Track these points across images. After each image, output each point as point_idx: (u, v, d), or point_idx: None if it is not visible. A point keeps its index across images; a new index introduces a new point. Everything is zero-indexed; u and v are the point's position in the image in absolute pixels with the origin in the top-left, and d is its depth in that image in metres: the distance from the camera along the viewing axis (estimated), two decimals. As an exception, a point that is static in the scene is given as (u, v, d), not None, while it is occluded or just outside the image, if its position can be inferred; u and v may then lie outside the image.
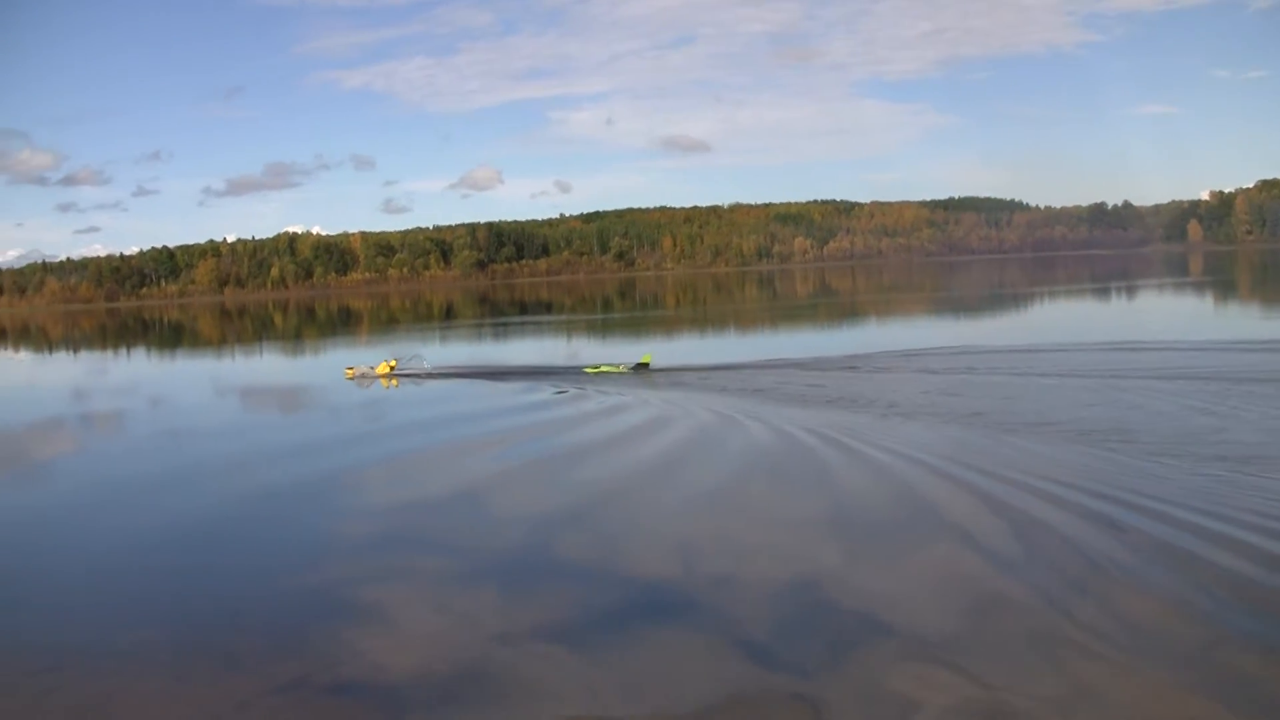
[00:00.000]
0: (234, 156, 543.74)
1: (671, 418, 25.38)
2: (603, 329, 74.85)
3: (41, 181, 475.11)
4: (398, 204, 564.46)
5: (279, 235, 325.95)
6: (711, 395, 29.07)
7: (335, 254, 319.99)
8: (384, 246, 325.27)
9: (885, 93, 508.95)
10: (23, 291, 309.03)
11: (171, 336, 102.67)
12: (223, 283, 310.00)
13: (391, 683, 10.36)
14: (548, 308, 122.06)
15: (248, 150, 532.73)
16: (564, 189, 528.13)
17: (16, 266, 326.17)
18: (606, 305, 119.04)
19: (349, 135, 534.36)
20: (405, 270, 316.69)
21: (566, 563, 14.33)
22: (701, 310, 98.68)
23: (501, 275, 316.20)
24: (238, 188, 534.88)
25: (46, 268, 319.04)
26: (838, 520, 15.41)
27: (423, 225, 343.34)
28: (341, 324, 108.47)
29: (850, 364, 35.09)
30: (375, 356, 43.55)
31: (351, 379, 40.16)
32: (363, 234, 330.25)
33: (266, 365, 52.82)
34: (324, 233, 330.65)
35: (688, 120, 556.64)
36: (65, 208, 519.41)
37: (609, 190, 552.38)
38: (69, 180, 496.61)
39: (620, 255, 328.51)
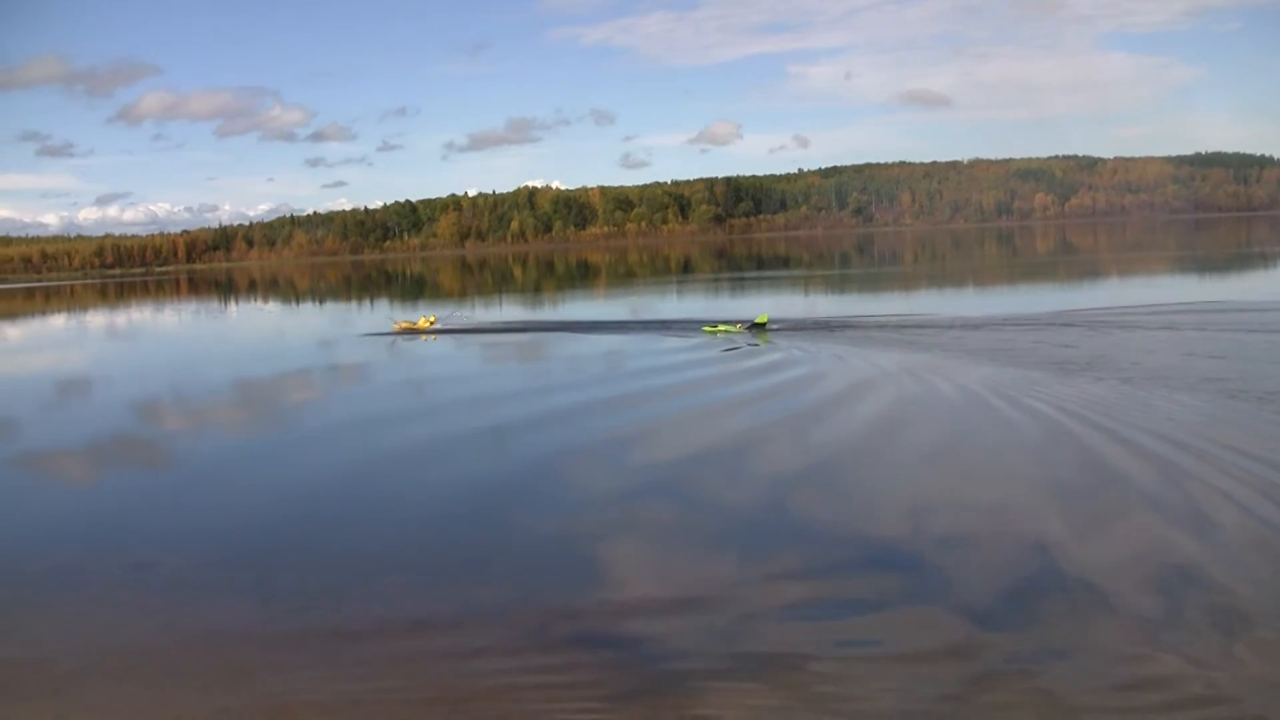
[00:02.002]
0: (476, 112, 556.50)
1: (934, 387, 25.19)
2: (840, 284, 74.07)
3: (291, 138, 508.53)
4: (636, 158, 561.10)
5: (519, 189, 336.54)
6: (960, 358, 28.49)
7: (574, 208, 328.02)
8: (622, 201, 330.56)
9: (1131, 45, 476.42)
10: (272, 244, 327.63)
11: (414, 288, 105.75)
12: (463, 236, 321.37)
13: (626, 636, 10.56)
14: (785, 263, 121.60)
15: (490, 106, 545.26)
16: (802, 144, 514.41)
17: (266, 220, 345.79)
18: (844, 261, 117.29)
19: (589, 90, 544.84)
20: (643, 224, 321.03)
21: (799, 521, 14.33)
22: (941, 266, 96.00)
23: (739, 230, 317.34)
24: (479, 143, 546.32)
25: (294, 221, 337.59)
26: (1085, 489, 14.64)
27: (661, 180, 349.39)
28: (580, 278, 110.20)
29: (1091, 321, 34.12)
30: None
31: (398, 332, 44.40)
32: (601, 188, 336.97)
33: (506, 316, 55.02)
34: (563, 187, 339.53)
35: (928, 74, 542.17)
36: (313, 163, 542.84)
37: (848, 145, 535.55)
38: (317, 136, 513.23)
39: (858, 211, 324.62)
